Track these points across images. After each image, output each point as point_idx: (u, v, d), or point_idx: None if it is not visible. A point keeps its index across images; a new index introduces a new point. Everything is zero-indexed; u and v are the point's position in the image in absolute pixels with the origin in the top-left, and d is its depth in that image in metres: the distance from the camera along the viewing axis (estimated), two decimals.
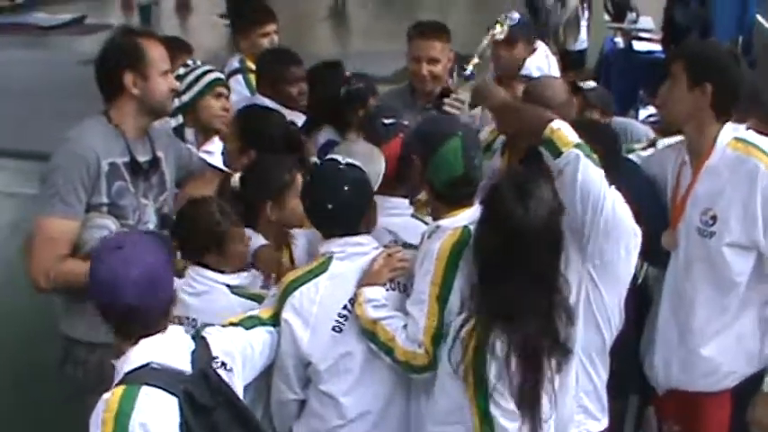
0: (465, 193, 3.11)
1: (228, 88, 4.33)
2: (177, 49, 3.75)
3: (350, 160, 3.19)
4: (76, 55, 15.26)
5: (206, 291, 3.28)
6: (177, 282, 2.75)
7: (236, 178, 3.53)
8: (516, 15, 4.85)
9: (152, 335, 2.54)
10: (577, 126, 3.37)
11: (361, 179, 3.17)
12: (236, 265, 3.38)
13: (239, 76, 5.02)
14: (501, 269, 2.74)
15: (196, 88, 4.16)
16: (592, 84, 4.73)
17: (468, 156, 3.07)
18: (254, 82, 4.86)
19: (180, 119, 4.15)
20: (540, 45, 5.06)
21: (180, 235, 3.33)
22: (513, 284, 2.73)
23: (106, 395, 2.47)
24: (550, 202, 2.78)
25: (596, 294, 3.08)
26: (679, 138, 3.71)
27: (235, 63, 5.22)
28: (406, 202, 3.43)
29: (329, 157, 3.29)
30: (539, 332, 2.75)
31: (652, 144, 3.92)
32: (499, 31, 4.29)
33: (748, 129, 3.45)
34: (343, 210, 3.10)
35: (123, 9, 20.84)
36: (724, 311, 3.42)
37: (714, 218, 3.35)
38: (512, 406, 2.75)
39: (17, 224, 8.03)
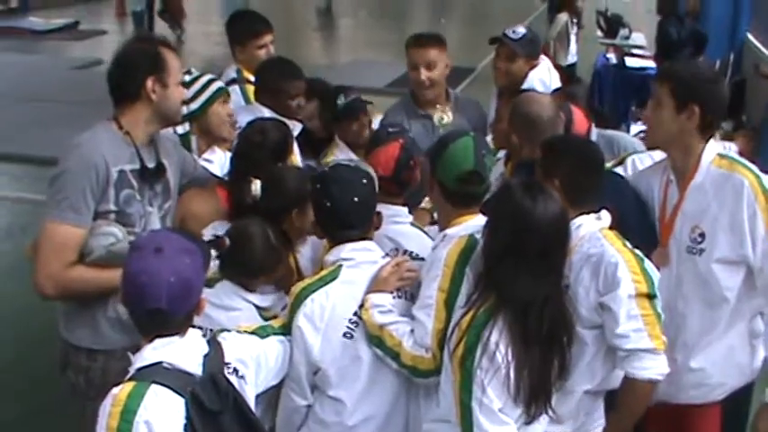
0: (474, 193, 3.17)
1: (229, 97, 4.40)
2: None
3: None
4: (70, 60, 15.34)
5: (236, 308, 3.31)
6: (205, 291, 2.76)
7: (257, 184, 3.52)
8: (522, 30, 4.94)
9: (170, 336, 2.59)
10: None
11: (370, 174, 3.27)
12: (274, 285, 3.44)
13: (236, 87, 5.04)
14: (510, 260, 2.78)
15: (204, 96, 4.23)
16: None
17: (479, 153, 3.15)
18: (250, 92, 4.90)
19: (186, 126, 4.21)
20: (543, 59, 5.12)
21: (236, 260, 3.31)
22: (522, 274, 2.76)
23: (115, 389, 2.51)
24: (559, 202, 2.84)
25: None
26: (651, 154, 3.78)
27: (231, 73, 5.25)
28: (405, 210, 3.51)
29: (335, 162, 3.34)
30: (543, 322, 2.79)
31: (621, 162, 3.94)
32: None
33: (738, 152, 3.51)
34: (367, 203, 3.19)
35: (117, 15, 20.88)
36: (714, 325, 3.48)
37: (702, 235, 3.41)
38: (494, 406, 2.77)
39: (9, 228, 8.07)
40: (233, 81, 5.09)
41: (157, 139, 3.51)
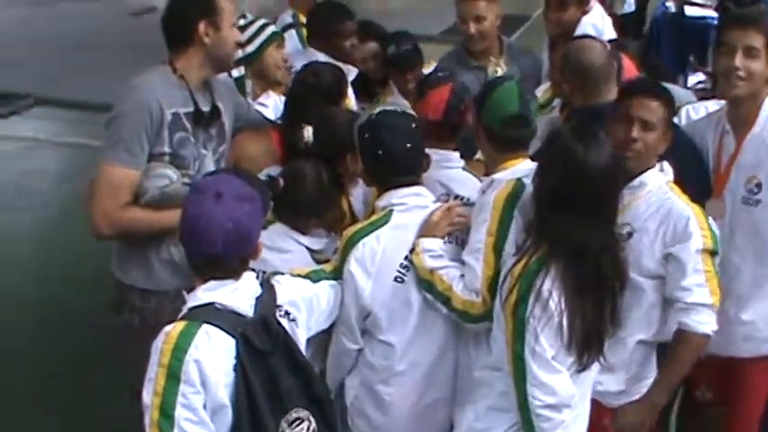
0: (520, 137, 3.16)
1: (284, 41, 4.40)
2: None
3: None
4: (127, 7, 15.38)
5: (288, 250, 3.34)
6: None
7: (309, 131, 3.53)
8: None
9: (225, 278, 2.61)
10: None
11: (417, 118, 3.28)
12: (326, 229, 3.46)
13: (292, 31, 5.06)
14: (562, 208, 2.77)
15: (260, 39, 4.27)
16: None
17: (524, 97, 3.15)
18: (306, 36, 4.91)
19: (242, 70, 4.23)
20: (595, 4, 5.02)
21: (288, 201, 3.31)
22: (574, 222, 2.75)
23: (168, 327, 2.54)
24: (609, 147, 2.82)
25: None
26: (706, 105, 3.72)
27: (287, 18, 5.26)
28: (457, 154, 3.49)
29: (380, 109, 3.32)
30: (599, 270, 2.79)
31: (675, 112, 3.87)
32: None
33: None
34: (418, 148, 3.20)
35: None
36: (766, 278, 3.46)
37: (759, 185, 3.39)
38: (547, 354, 2.78)
39: (65, 173, 8.20)
40: (290, 26, 5.09)
41: (212, 83, 3.54)
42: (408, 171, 3.19)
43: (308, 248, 3.38)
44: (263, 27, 4.32)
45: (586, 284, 2.78)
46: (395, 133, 3.16)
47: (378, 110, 3.31)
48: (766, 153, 3.36)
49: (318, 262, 3.31)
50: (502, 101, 3.13)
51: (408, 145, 3.16)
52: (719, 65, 3.45)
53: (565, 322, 2.76)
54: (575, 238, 2.76)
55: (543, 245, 2.80)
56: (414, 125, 3.22)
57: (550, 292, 2.74)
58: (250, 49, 4.22)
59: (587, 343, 2.80)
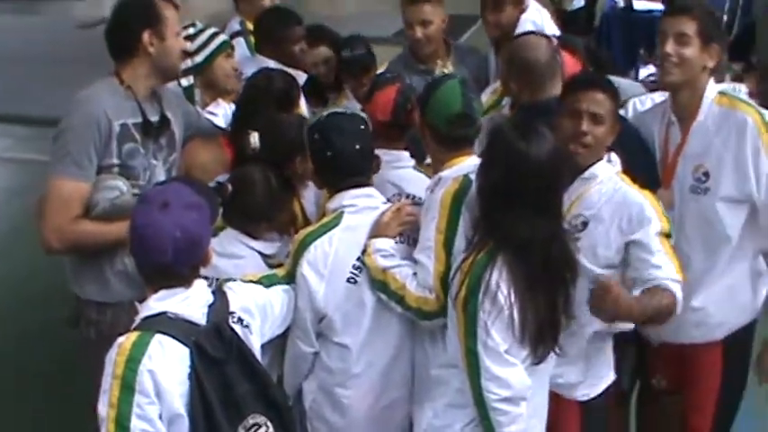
0: (464, 135, 3.19)
1: (233, 50, 4.39)
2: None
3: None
4: (74, 20, 15.26)
5: (240, 255, 3.35)
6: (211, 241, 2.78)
7: (255, 137, 3.53)
8: None
9: (176, 287, 2.61)
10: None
11: (366, 119, 3.30)
12: (277, 232, 3.47)
13: (240, 39, 5.03)
14: (505, 202, 2.80)
15: (209, 49, 4.22)
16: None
17: (467, 96, 3.17)
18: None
19: (191, 79, 4.21)
20: (530, 1, 5.01)
21: (238, 206, 3.33)
22: (518, 215, 2.78)
23: (121, 338, 2.54)
24: (552, 142, 2.85)
25: None
26: (653, 96, 3.77)
27: (235, 25, 5.24)
28: (407, 154, 3.52)
29: (329, 111, 3.35)
30: (543, 262, 2.82)
31: (622, 105, 3.91)
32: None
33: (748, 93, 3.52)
34: (367, 149, 3.22)
35: None
36: (716, 264, 3.50)
37: (707, 174, 3.43)
38: (500, 348, 2.81)
39: (14, 189, 8.13)
40: (237, 33, 5.07)
41: (161, 92, 3.53)
42: (358, 172, 3.21)
43: (260, 253, 3.39)
44: (212, 36, 4.27)
45: (535, 277, 2.81)
46: (344, 135, 3.18)
47: (327, 112, 3.34)
48: (710, 142, 3.40)
49: (271, 266, 3.31)
50: (445, 100, 3.15)
51: (358, 146, 3.18)
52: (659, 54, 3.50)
53: (516, 315, 2.79)
54: (519, 232, 2.79)
55: (490, 240, 2.82)
56: (363, 126, 3.24)
57: (498, 284, 2.77)
58: (199, 58, 4.18)
59: (541, 336, 2.83)
